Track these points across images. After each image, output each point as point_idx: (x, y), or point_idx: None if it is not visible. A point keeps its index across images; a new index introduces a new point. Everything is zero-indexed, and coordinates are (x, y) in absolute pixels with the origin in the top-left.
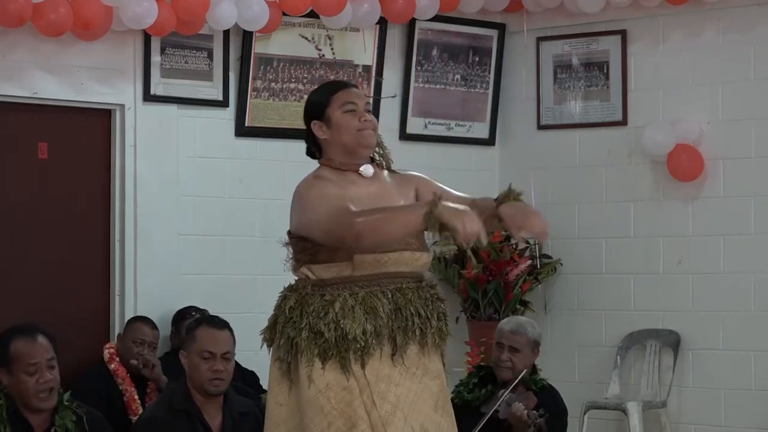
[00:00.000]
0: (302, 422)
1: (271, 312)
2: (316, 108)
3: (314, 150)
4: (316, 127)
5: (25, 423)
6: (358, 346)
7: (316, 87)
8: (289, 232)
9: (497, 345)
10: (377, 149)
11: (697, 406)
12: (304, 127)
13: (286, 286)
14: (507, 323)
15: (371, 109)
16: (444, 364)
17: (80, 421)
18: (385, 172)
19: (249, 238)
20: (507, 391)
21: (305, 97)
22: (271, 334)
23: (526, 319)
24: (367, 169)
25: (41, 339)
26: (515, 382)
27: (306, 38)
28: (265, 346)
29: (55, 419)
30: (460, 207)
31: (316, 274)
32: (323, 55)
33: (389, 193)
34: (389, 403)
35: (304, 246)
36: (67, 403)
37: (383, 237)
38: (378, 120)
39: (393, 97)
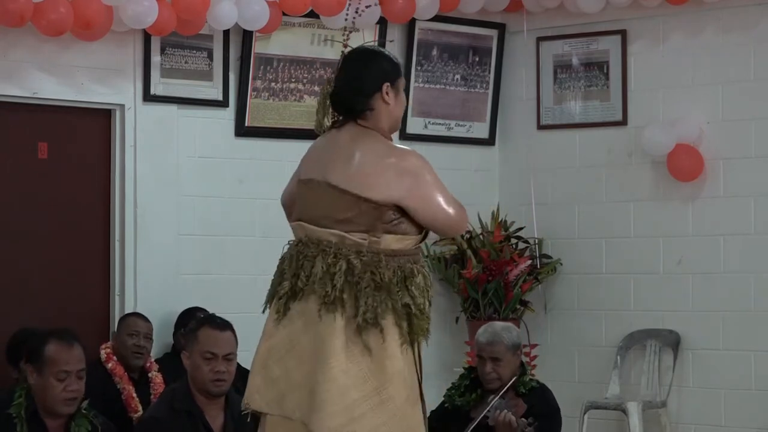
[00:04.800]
0: (380, 392)
1: None
2: (393, 73)
3: (361, 108)
4: (387, 89)
5: (41, 425)
6: (426, 319)
7: (380, 50)
8: (371, 200)
9: (478, 358)
10: None
11: (697, 405)
12: (305, 126)
13: (334, 249)
14: (482, 334)
15: None
16: None
17: (95, 431)
18: None
19: (249, 238)
20: (496, 398)
21: (305, 97)
22: (348, 298)
23: (502, 325)
24: None
25: (77, 347)
26: (504, 389)
27: (331, 40)
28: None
29: (70, 426)
30: None
31: (386, 243)
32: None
33: None
34: (421, 377)
35: (390, 217)
36: (84, 412)
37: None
38: None
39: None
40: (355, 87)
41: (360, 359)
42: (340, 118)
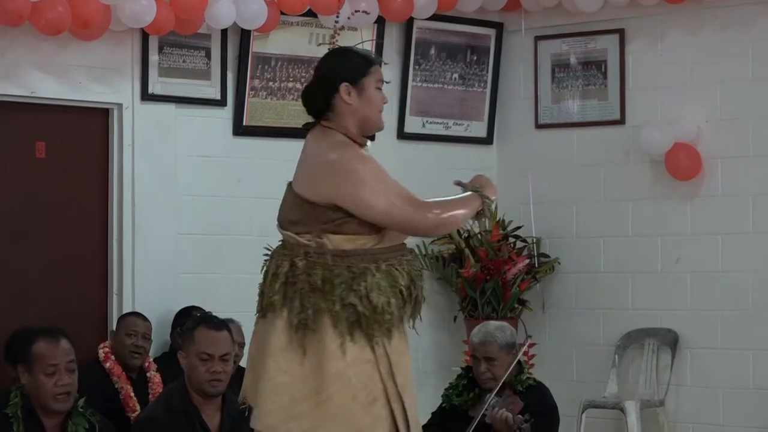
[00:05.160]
0: (319, 392)
1: None
2: (354, 72)
3: (321, 108)
4: (345, 90)
5: (38, 424)
6: (386, 318)
7: (346, 48)
8: (309, 200)
9: (473, 358)
10: None
11: (695, 404)
12: (305, 117)
13: (276, 248)
14: (476, 335)
15: None
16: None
17: (92, 429)
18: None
19: (247, 237)
20: (492, 395)
21: None
22: (283, 300)
23: (496, 324)
24: (368, 147)
25: (64, 342)
26: (498, 386)
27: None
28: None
29: (68, 424)
30: (489, 181)
31: (335, 244)
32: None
33: None
34: (402, 375)
35: (331, 216)
36: (81, 410)
37: (456, 227)
38: None
39: (387, 82)
40: (313, 89)
41: (301, 359)
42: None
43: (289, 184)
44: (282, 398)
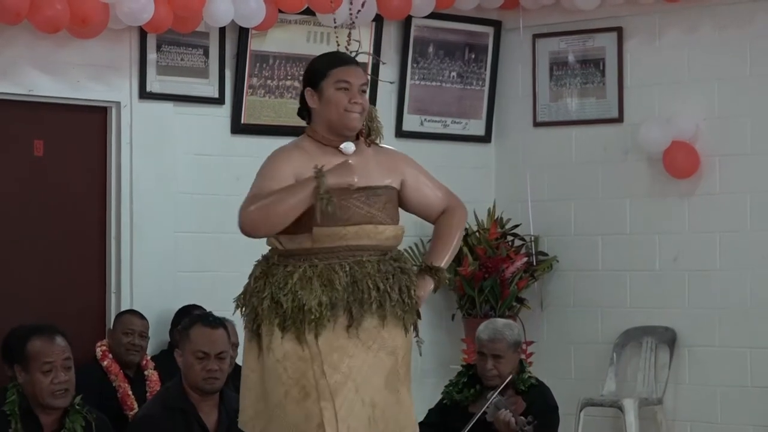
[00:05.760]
0: (265, 389)
1: None
2: (314, 76)
3: (305, 114)
4: (308, 95)
5: (35, 421)
6: (313, 317)
7: (320, 54)
8: None
9: (479, 354)
10: (369, 123)
11: (693, 403)
12: (301, 123)
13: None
14: (484, 331)
15: (367, 90)
16: (417, 334)
17: (89, 426)
18: (371, 148)
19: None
20: (495, 393)
21: None
22: (244, 301)
23: (504, 322)
24: (348, 147)
25: (59, 339)
26: (503, 385)
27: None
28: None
29: (65, 422)
30: (341, 165)
31: (283, 244)
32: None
33: (368, 169)
34: (340, 373)
35: None
36: (78, 407)
37: (275, 220)
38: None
39: (391, 83)
40: (299, 96)
41: (257, 356)
42: None
43: None
44: (251, 395)
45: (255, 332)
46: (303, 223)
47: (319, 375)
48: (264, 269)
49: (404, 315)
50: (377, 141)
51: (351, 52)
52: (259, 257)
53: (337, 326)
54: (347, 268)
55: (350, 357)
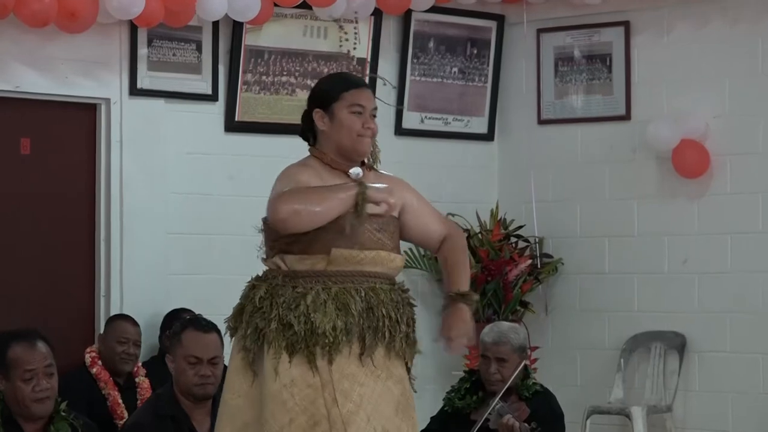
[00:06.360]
0: (261, 416)
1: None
2: (325, 98)
3: (308, 135)
4: (318, 116)
5: (18, 430)
6: (327, 341)
7: (330, 74)
8: (265, 220)
9: (483, 358)
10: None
11: (704, 410)
12: (297, 120)
13: (254, 276)
14: (488, 334)
15: (376, 114)
16: (409, 371)
17: None
18: (371, 173)
19: (239, 236)
20: (497, 399)
21: (297, 91)
22: (236, 323)
23: (509, 325)
24: (357, 172)
25: (40, 345)
26: (504, 388)
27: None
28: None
29: (50, 429)
30: (382, 185)
31: (289, 265)
32: (353, 56)
33: None
34: (352, 402)
35: (276, 235)
36: (63, 414)
37: (316, 217)
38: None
39: (393, 87)
40: (302, 115)
41: (252, 381)
42: None
43: None
44: (236, 423)
45: (253, 355)
46: (319, 244)
47: (330, 403)
48: (268, 289)
49: (407, 348)
50: (375, 167)
51: (360, 73)
52: (250, 279)
53: (351, 353)
54: (362, 294)
55: (361, 385)
